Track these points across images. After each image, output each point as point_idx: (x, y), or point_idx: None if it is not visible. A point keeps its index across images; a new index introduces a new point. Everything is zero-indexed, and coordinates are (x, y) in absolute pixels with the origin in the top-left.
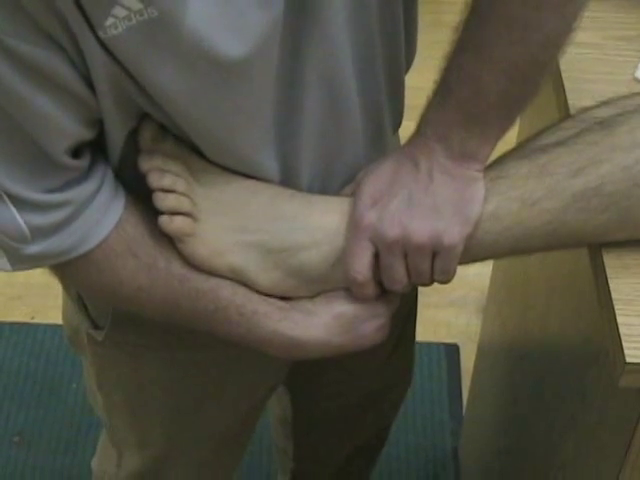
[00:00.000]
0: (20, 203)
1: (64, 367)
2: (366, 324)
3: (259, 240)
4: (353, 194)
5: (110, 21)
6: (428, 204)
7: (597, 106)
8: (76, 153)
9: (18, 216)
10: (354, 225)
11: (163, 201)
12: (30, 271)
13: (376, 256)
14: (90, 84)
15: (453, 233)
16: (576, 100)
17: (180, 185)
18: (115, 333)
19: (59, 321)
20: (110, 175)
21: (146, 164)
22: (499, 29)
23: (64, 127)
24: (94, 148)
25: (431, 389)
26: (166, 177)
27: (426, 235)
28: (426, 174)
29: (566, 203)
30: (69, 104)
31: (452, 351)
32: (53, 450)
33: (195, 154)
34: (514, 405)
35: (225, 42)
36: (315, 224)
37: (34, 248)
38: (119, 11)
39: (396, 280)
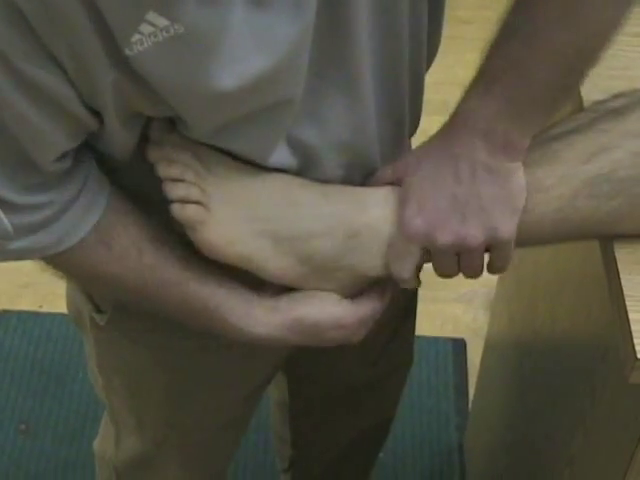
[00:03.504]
0: (3, 204)
1: (71, 356)
2: (328, 333)
3: (270, 228)
4: (388, 181)
5: (136, 37)
6: (475, 205)
7: (610, 99)
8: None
9: (2, 215)
10: (402, 231)
11: (172, 190)
12: (39, 259)
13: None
14: (86, 104)
15: (505, 229)
16: (591, 96)
17: (189, 175)
18: (117, 318)
19: (66, 310)
20: (94, 173)
21: (154, 154)
22: (550, 17)
23: (57, 141)
24: (77, 149)
25: (437, 384)
26: (174, 166)
27: (480, 238)
28: (468, 174)
29: (577, 189)
30: (64, 121)
31: (459, 346)
32: (59, 439)
33: (204, 145)
34: (521, 400)
35: (253, 56)
36: (328, 212)
37: (16, 244)
38: (145, 28)
39: (448, 274)
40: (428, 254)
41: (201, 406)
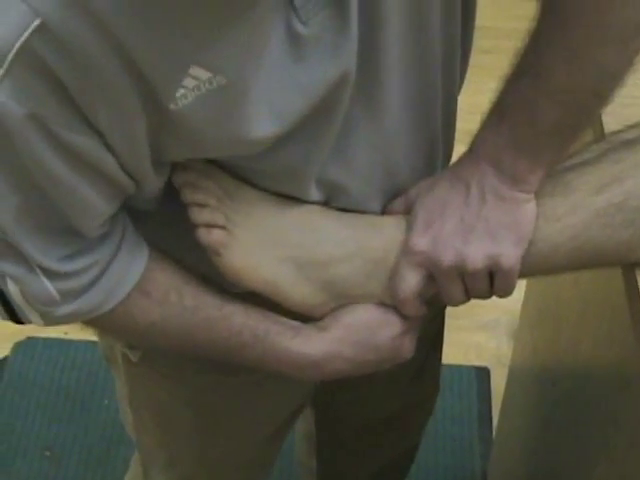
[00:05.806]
0: (50, 273)
1: (96, 383)
2: (379, 333)
3: (291, 254)
4: (402, 210)
5: (180, 92)
6: (481, 228)
7: (624, 130)
8: None
9: (49, 284)
10: (407, 249)
11: (199, 214)
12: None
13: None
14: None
15: (509, 256)
16: (612, 125)
17: (212, 200)
18: (150, 354)
19: (92, 337)
20: (130, 226)
21: (180, 178)
22: (559, 59)
23: (100, 208)
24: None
25: (461, 412)
26: (198, 192)
27: (480, 260)
28: (478, 197)
29: (590, 219)
30: (105, 187)
31: (483, 374)
32: (84, 465)
33: (226, 173)
34: (545, 428)
35: (292, 100)
36: (347, 237)
37: (64, 309)
38: (189, 82)
39: (455, 299)
40: (433, 281)
41: (230, 442)
